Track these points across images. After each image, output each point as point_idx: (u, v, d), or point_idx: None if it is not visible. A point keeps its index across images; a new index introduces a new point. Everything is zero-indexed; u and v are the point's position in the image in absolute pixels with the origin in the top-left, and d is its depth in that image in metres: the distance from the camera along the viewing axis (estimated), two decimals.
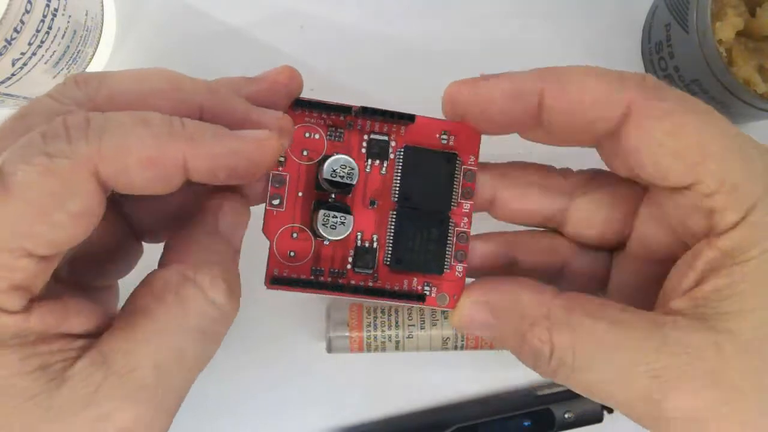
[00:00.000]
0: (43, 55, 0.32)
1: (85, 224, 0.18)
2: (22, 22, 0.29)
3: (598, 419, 0.37)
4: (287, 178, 0.22)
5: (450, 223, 0.23)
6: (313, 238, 0.23)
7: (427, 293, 0.23)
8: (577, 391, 0.20)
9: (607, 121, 0.20)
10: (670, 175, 0.20)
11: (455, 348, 0.36)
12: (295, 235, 0.22)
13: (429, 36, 0.39)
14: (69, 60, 0.34)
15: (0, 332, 0.17)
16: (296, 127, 0.22)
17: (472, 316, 0.22)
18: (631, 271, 0.24)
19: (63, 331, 0.18)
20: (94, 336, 0.19)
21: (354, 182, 0.22)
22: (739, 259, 0.19)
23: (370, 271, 0.23)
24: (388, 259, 0.23)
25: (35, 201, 0.17)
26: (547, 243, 0.25)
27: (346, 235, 0.22)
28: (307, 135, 0.23)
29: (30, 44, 0.31)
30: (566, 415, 0.36)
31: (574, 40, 0.40)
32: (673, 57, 0.37)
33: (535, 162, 0.25)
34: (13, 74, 0.31)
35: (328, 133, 0.23)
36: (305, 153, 0.23)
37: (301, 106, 0.22)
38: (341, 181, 0.22)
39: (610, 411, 0.37)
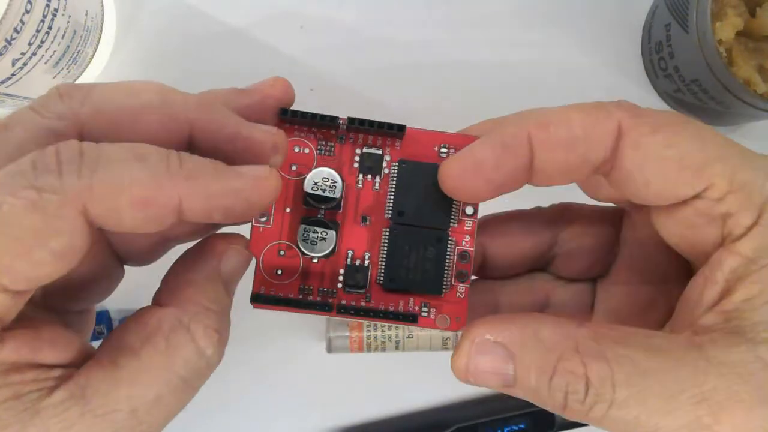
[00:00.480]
0: (43, 55, 0.32)
1: (67, 262, 0.17)
2: (22, 22, 0.29)
3: None
4: None
5: (449, 242, 0.22)
6: (301, 255, 0.22)
7: (425, 314, 0.22)
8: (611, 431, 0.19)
9: (602, 149, 0.20)
10: (678, 187, 0.19)
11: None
12: (282, 252, 0.22)
13: (428, 35, 0.39)
14: (69, 60, 0.34)
15: None
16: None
17: (479, 363, 0.19)
18: (618, 296, 0.23)
19: (37, 361, 0.18)
20: (73, 365, 0.19)
21: (337, 196, 0.21)
22: (763, 262, 0.18)
23: (362, 291, 0.22)
24: (381, 278, 0.22)
25: (17, 236, 0.16)
26: (527, 281, 0.24)
27: (328, 251, 0.21)
28: (296, 149, 0.22)
29: (30, 44, 0.31)
30: None
31: (574, 40, 0.40)
32: (673, 57, 0.37)
33: (505, 210, 0.24)
34: (13, 74, 0.31)
35: (318, 147, 0.22)
36: (294, 168, 0.22)
37: (285, 115, 0.21)
38: (323, 194, 0.21)
39: None
